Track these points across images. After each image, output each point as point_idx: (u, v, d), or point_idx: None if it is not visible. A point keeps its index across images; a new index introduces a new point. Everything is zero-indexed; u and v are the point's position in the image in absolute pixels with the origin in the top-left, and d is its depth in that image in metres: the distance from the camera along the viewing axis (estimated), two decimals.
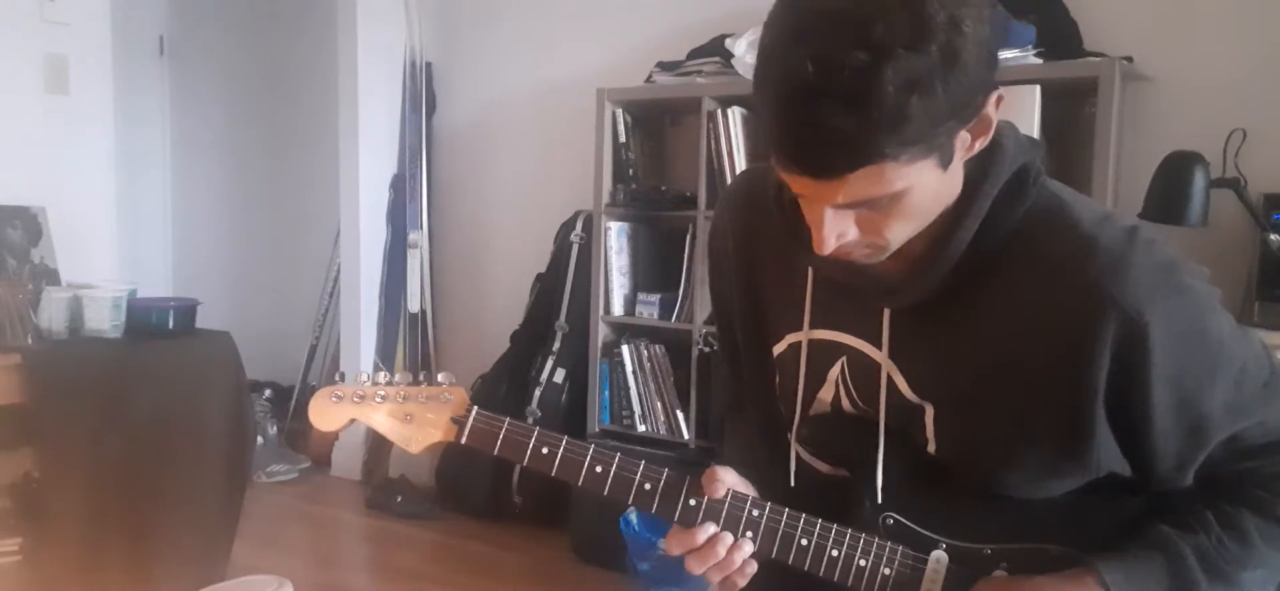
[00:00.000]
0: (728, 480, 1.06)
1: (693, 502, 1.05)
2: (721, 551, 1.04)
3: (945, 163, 0.87)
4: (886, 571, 1.04)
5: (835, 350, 1.07)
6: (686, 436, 3.15)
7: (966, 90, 0.82)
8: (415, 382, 1.11)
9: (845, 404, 1.08)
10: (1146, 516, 1.01)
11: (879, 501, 1.05)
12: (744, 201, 1.17)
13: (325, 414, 1.12)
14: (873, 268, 1.01)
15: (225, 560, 2.83)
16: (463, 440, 1.08)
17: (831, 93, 0.78)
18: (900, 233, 0.92)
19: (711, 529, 1.04)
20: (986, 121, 0.88)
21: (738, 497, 1.06)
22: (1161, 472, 0.99)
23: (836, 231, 0.90)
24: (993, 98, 0.87)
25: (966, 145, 0.89)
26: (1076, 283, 0.92)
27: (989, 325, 0.97)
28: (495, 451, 1.08)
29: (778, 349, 1.12)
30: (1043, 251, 0.95)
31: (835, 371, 1.07)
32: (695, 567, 1.04)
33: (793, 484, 1.13)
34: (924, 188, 0.87)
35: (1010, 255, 0.96)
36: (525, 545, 3.33)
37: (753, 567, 1.06)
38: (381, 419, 1.10)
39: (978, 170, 0.96)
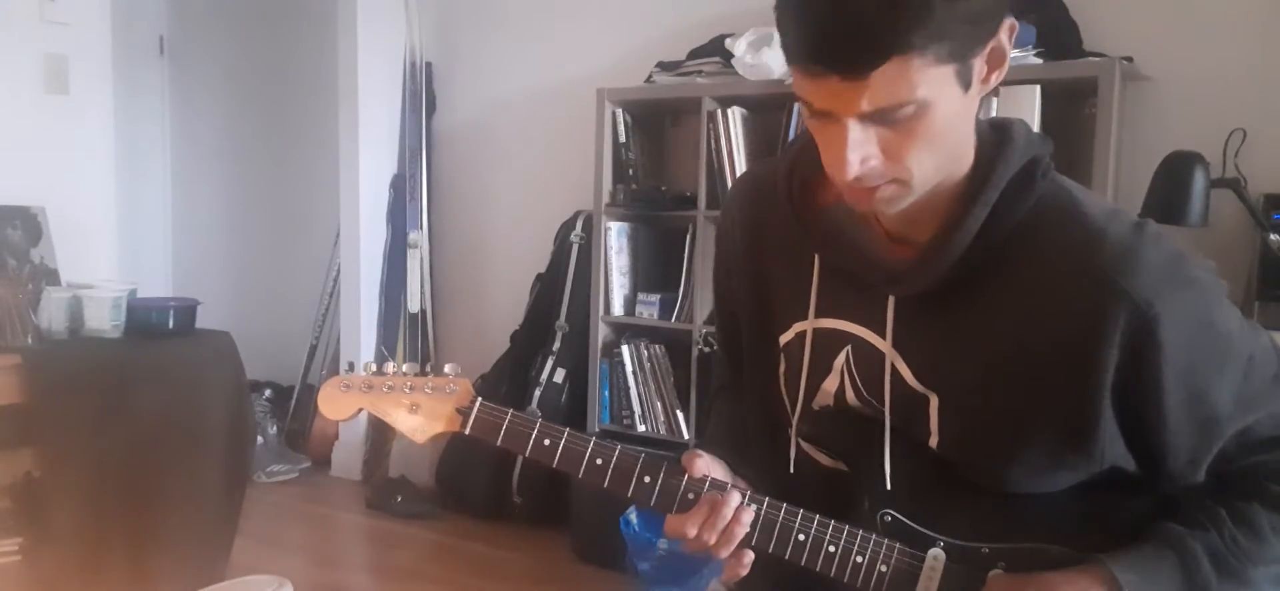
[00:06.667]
0: (714, 471, 1.07)
1: (692, 496, 1.05)
2: (728, 512, 1.04)
3: (965, 83, 0.87)
4: (883, 568, 1.03)
5: (840, 339, 1.07)
6: (686, 436, 3.15)
7: (984, 3, 0.85)
8: (422, 373, 1.12)
9: (849, 395, 1.08)
10: (1152, 516, 1.01)
11: (888, 488, 1.04)
12: (752, 195, 1.18)
13: (334, 403, 1.13)
14: (880, 255, 1.01)
15: (225, 560, 2.83)
16: (467, 430, 1.09)
17: None
18: (923, 164, 0.90)
19: (716, 495, 1.05)
20: (1001, 52, 0.89)
21: (737, 488, 1.06)
22: (1174, 469, 0.99)
23: (860, 153, 0.88)
24: (1006, 25, 0.88)
25: (982, 75, 0.89)
26: (1085, 274, 0.92)
27: (995, 315, 0.97)
28: (498, 442, 1.08)
29: (784, 339, 1.13)
30: (1051, 243, 0.95)
31: (840, 360, 1.07)
32: (707, 535, 1.04)
33: (792, 471, 1.13)
34: (945, 107, 0.87)
35: (1018, 246, 0.96)
36: (525, 545, 3.33)
37: (750, 556, 1.06)
38: (389, 408, 1.11)
39: (988, 159, 0.96)
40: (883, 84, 0.83)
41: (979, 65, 0.88)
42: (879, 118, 0.87)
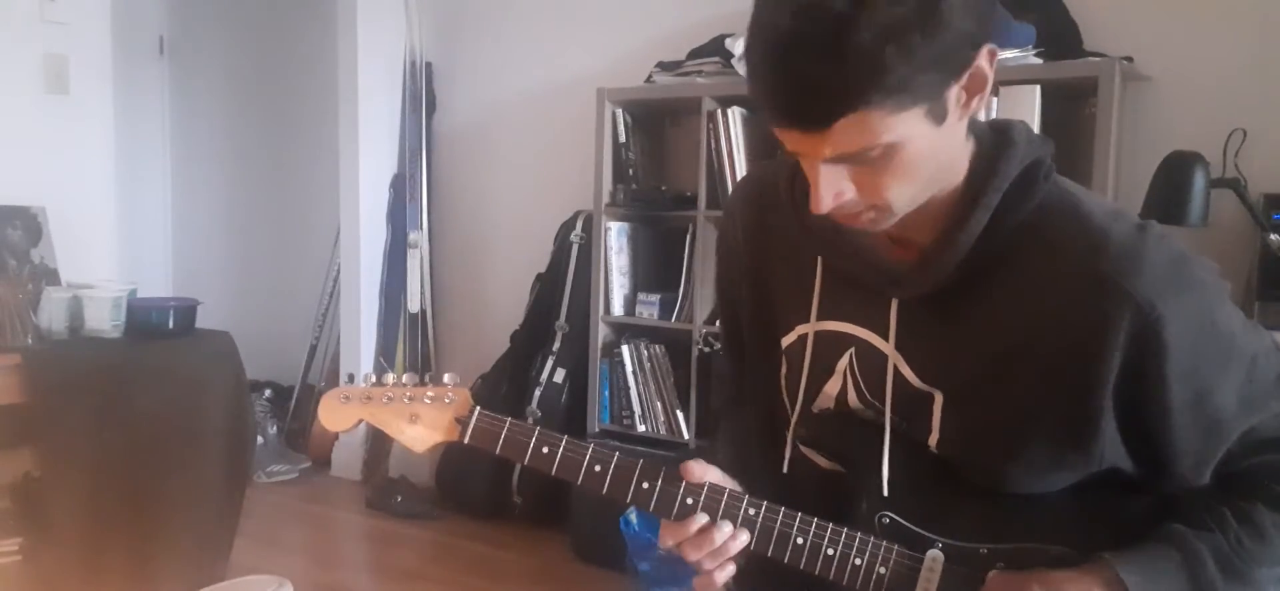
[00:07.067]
0: (709, 475, 1.07)
1: (690, 501, 1.05)
2: (717, 539, 1.04)
3: (938, 118, 0.87)
4: (882, 570, 1.03)
5: (843, 341, 1.07)
6: (686, 436, 3.15)
7: (949, 43, 0.83)
8: (421, 383, 1.13)
9: (851, 397, 1.08)
10: (1153, 516, 1.00)
11: (885, 494, 1.04)
12: (754, 196, 1.17)
13: (334, 414, 1.14)
14: (882, 258, 1.02)
15: (225, 560, 2.83)
16: (465, 440, 1.10)
17: (810, 42, 0.81)
18: (900, 193, 0.91)
19: (704, 518, 1.05)
20: (981, 77, 0.88)
21: (735, 495, 1.06)
22: (1180, 472, 0.99)
23: (832, 189, 0.89)
24: (984, 52, 0.87)
25: (962, 102, 0.89)
26: (1089, 275, 0.92)
27: (997, 316, 0.97)
28: (497, 450, 1.09)
29: (786, 341, 1.13)
30: (1054, 245, 0.95)
31: (843, 363, 1.07)
32: (691, 554, 1.05)
33: (785, 471, 1.13)
34: (917, 143, 0.87)
35: (1020, 248, 0.96)
36: (525, 545, 3.33)
37: (732, 568, 1.06)
38: (389, 419, 1.12)
39: (989, 163, 0.96)
40: (843, 135, 0.84)
41: (955, 92, 0.87)
42: (848, 158, 0.88)
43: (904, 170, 0.89)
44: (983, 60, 0.87)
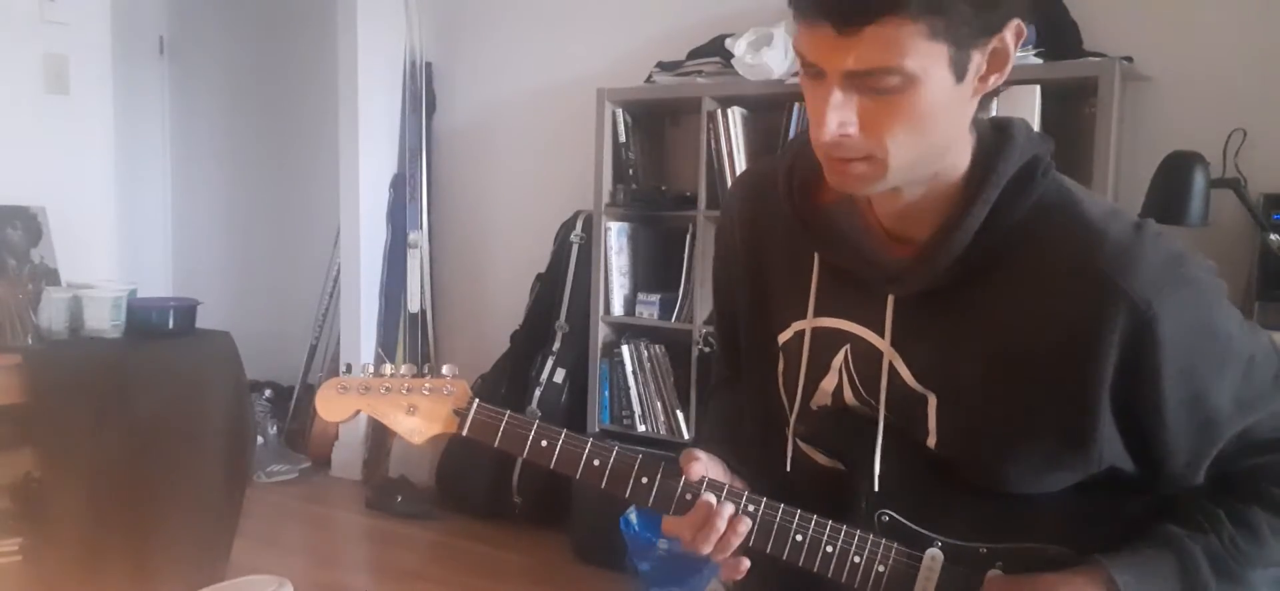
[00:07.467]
0: (702, 459, 1.07)
1: (690, 497, 1.06)
2: (721, 524, 1.04)
3: (959, 73, 0.87)
4: (880, 568, 1.03)
5: (839, 338, 1.07)
6: (686, 436, 3.15)
7: None
8: (419, 374, 1.12)
9: (847, 394, 1.08)
10: (1151, 517, 1.00)
11: (877, 490, 1.04)
12: (752, 193, 1.18)
13: (332, 405, 1.13)
14: (879, 254, 1.01)
15: (225, 560, 2.84)
16: (464, 432, 1.09)
17: None
18: (900, 147, 0.90)
19: (709, 499, 1.04)
20: (1003, 53, 0.89)
21: (734, 490, 1.06)
22: (1173, 471, 0.99)
23: (839, 116, 0.88)
24: (1012, 25, 0.88)
25: (981, 72, 0.89)
26: (1085, 274, 0.92)
27: (994, 315, 0.97)
28: (496, 443, 1.08)
29: (783, 337, 1.12)
30: (1051, 242, 0.95)
31: (839, 359, 1.07)
32: (702, 546, 1.04)
33: (788, 469, 1.13)
34: (933, 89, 0.86)
35: (1017, 245, 0.96)
36: (525, 545, 3.33)
37: (747, 563, 1.06)
38: (386, 410, 1.11)
39: (988, 158, 0.96)
40: (872, 43, 0.84)
41: (978, 60, 0.88)
42: (863, 82, 0.87)
43: (910, 118, 0.88)
44: (1009, 34, 0.88)
